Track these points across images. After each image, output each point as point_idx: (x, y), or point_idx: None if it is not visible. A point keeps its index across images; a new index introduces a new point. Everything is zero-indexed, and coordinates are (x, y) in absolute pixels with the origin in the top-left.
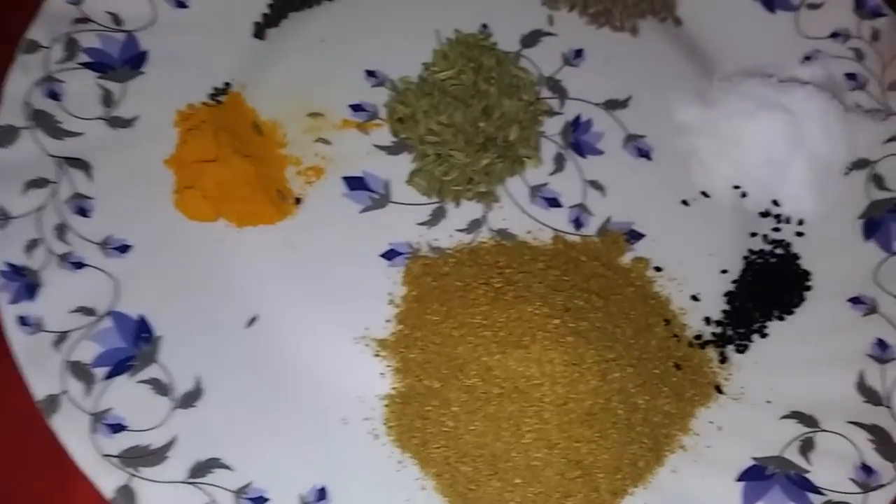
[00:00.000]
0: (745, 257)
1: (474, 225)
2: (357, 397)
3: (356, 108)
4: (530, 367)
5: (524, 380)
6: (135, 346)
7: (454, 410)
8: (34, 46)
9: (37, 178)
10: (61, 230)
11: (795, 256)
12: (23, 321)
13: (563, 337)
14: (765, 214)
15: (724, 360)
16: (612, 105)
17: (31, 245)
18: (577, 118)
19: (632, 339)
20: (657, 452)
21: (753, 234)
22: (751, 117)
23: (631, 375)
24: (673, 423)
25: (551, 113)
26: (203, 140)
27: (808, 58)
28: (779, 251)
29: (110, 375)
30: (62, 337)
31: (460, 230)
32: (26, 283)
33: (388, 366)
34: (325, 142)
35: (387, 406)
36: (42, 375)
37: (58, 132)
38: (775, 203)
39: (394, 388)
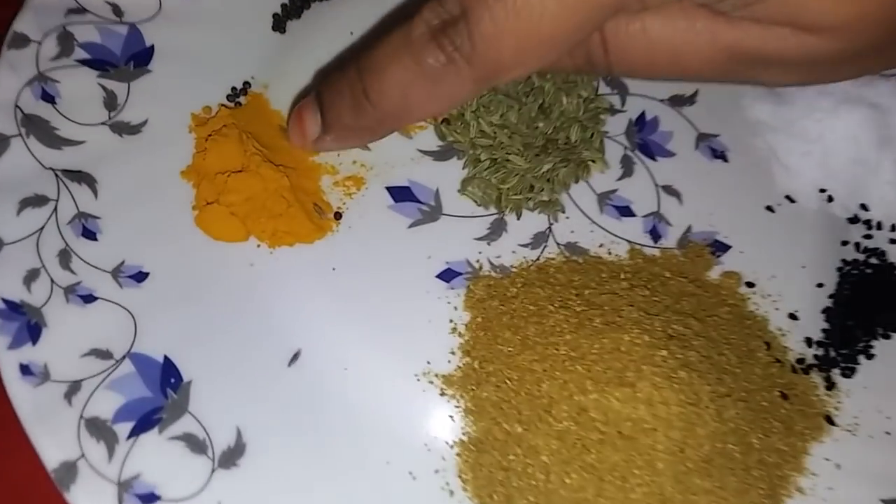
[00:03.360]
0: (839, 269)
1: (539, 239)
2: (424, 446)
3: None
4: (638, 408)
5: (630, 423)
6: (162, 394)
7: (543, 461)
8: (23, 41)
9: (33, 196)
10: (65, 257)
11: (892, 266)
12: (26, 370)
13: (674, 372)
14: (853, 220)
15: (830, 385)
16: (679, 101)
17: (31, 276)
18: (642, 116)
19: (737, 367)
20: (775, 499)
21: (845, 243)
22: (832, 114)
23: (743, 411)
24: (786, 462)
25: (613, 111)
26: (227, 147)
27: None
28: (874, 261)
29: (136, 432)
30: (75, 387)
31: (524, 245)
32: (27, 322)
33: (458, 407)
34: (365, 147)
35: (459, 455)
36: (54, 437)
37: (55, 141)
38: (864, 207)
39: (466, 434)
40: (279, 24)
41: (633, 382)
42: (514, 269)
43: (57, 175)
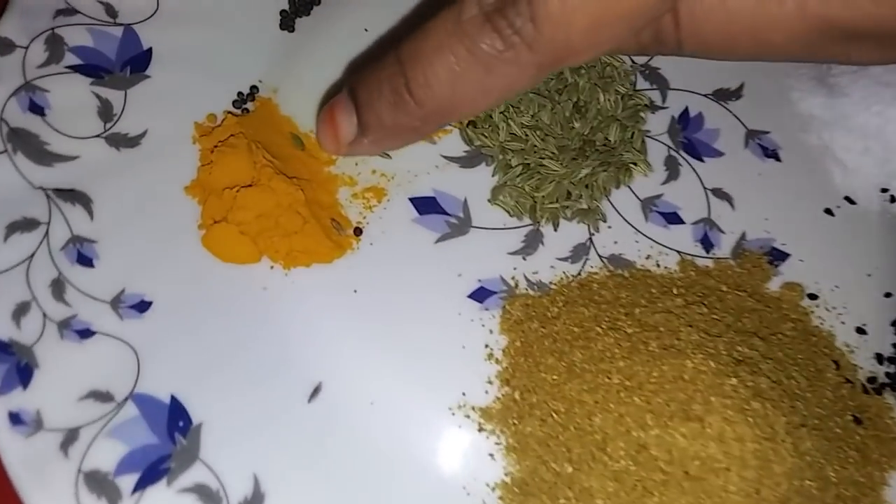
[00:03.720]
0: None
1: (579, 251)
2: (462, 489)
3: None
4: (708, 445)
5: (698, 462)
6: (169, 439)
7: None
8: (7, 46)
9: (21, 220)
10: (58, 287)
11: None
12: (16, 419)
13: (747, 403)
14: None
15: None
16: (724, 95)
17: (21, 310)
18: (685, 112)
19: (808, 391)
20: None
21: None
22: (892, 106)
23: (818, 441)
24: (865, 495)
25: (653, 107)
26: (235, 159)
27: None
28: None
29: (141, 485)
30: (72, 436)
31: (563, 259)
32: (16, 364)
33: (498, 444)
34: (384, 154)
35: (502, 499)
36: (48, 494)
37: (45, 157)
38: None
39: (509, 475)
40: (287, 21)
41: (702, 416)
42: (553, 287)
43: (48, 195)
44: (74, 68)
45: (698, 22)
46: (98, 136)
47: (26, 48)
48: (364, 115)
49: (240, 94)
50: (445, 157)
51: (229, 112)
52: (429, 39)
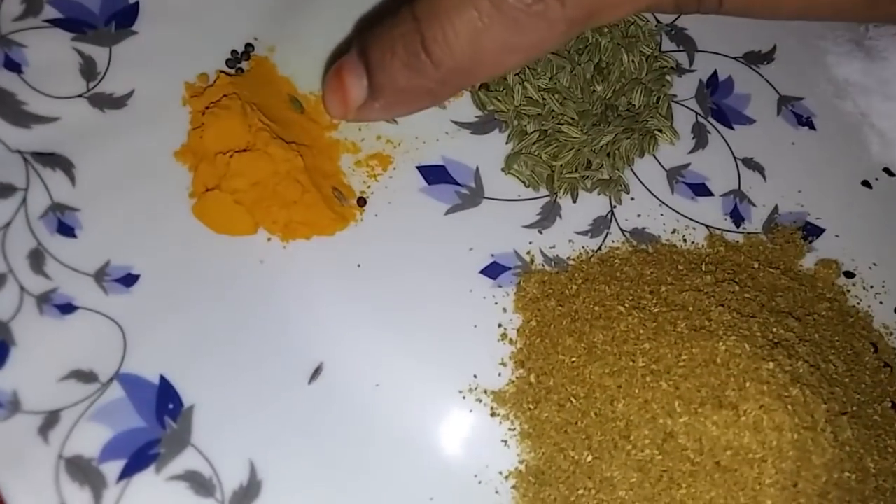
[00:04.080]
0: None
1: (600, 225)
2: (473, 477)
3: None
4: (742, 434)
5: (730, 453)
6: (159, 423)
7: (621, 496)
8: None
9: None
10: (37, 258)
11: None
12: None
13: (785, 389)
14: None
15: None
16: (755, 58)
17: None
18: (714, 76)
19: (846, 376)
20: None
21: None
22: None
23: (858, 430)
24: None
25: (680, 70)
26: (228, 122)
27: None
28: None
29: (128, 473)
30: (52, 419)
31: (582, 232)
32: None
33: (512, 430)
34: (391, 120)
35: (516, 488)
36: (26, 482)
37: (23, 117)
38: None
39: (524, 462)
40: None
41: (736, 404)
42: (571, 262)
43: (26, 159)
44: (54, 22)
45: None
46: (80, 96)
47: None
48: (376, 77)
49: (234, 52)
50: (456, 123)
51: (222, 71)
52: None
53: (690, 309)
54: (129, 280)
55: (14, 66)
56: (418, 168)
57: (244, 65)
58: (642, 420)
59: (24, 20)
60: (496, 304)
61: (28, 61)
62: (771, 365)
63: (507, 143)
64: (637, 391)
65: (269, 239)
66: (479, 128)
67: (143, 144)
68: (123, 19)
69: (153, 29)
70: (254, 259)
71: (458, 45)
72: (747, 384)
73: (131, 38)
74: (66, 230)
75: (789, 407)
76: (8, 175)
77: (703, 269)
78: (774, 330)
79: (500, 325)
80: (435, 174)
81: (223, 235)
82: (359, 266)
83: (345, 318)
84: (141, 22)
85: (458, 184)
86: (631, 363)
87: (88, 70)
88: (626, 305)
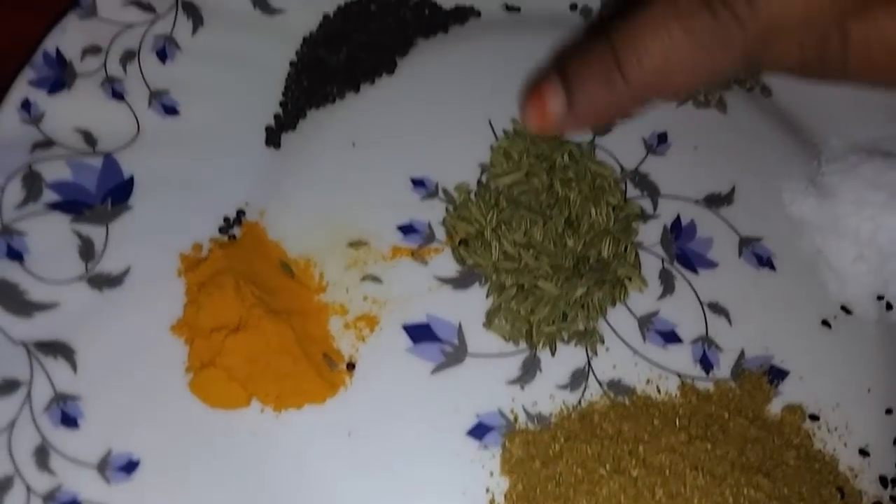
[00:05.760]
0: None
1: (578, 377)
2: None
3: (406, 229)
4: None
5: None
6: None
7: None
8: None
9: (1, 382)
10: (42, 455)
11: None
12: None
13: None
14: None
15: None
16: (715, 201)
17: (2, 487)
18: (677, 221)
19: None
20: None
21: None
22: (886, 209)
23: None
24: None
25: (645, 217)
26: (222, 300)
27: None
28: None
29: None
30: None
31: (562, 386)
32: None
33: None
34: (375, 279)
35: None
36: None
37: (25, 307)
38: None
39: None
40: (273, 137)
41: None
42: (553, 419)
43: (29, 350)
44: (54, 205)
45: (868, 43)
46: (80, 278)
47: (3, 189)
48: (577, 95)
49: (226, 219)
50: (438, 279)
51: (215, 239)
52: (644, 23)
53: (667, 473)
54: (129, 467)
55: (16, 256)
56: (404, 327)
57: (236, 231)
58: None
59: (25, 207)
60: (483, 467)
61: (29, 248)
62: None
63: (487, 297)
64: None
65: (262, 411)
66: (460, 283)
67: (140, 322)
68: (119, 195)
69: (147, 202)
70: (247, 430)
71: (649, 66)
72: None
73: (127, 214)
74: (69, 421)
75: None
76: (12, 369)
77: (678, 424)
78: (745, 491)
79: (487, 490)
80: (420, 333)
81: (218, 410)
82: (349, 434)
83: (337, 485)
84: (136, 196)
85: (442, 341)
86: None
87: (86, 251)
88: (608, 468)
